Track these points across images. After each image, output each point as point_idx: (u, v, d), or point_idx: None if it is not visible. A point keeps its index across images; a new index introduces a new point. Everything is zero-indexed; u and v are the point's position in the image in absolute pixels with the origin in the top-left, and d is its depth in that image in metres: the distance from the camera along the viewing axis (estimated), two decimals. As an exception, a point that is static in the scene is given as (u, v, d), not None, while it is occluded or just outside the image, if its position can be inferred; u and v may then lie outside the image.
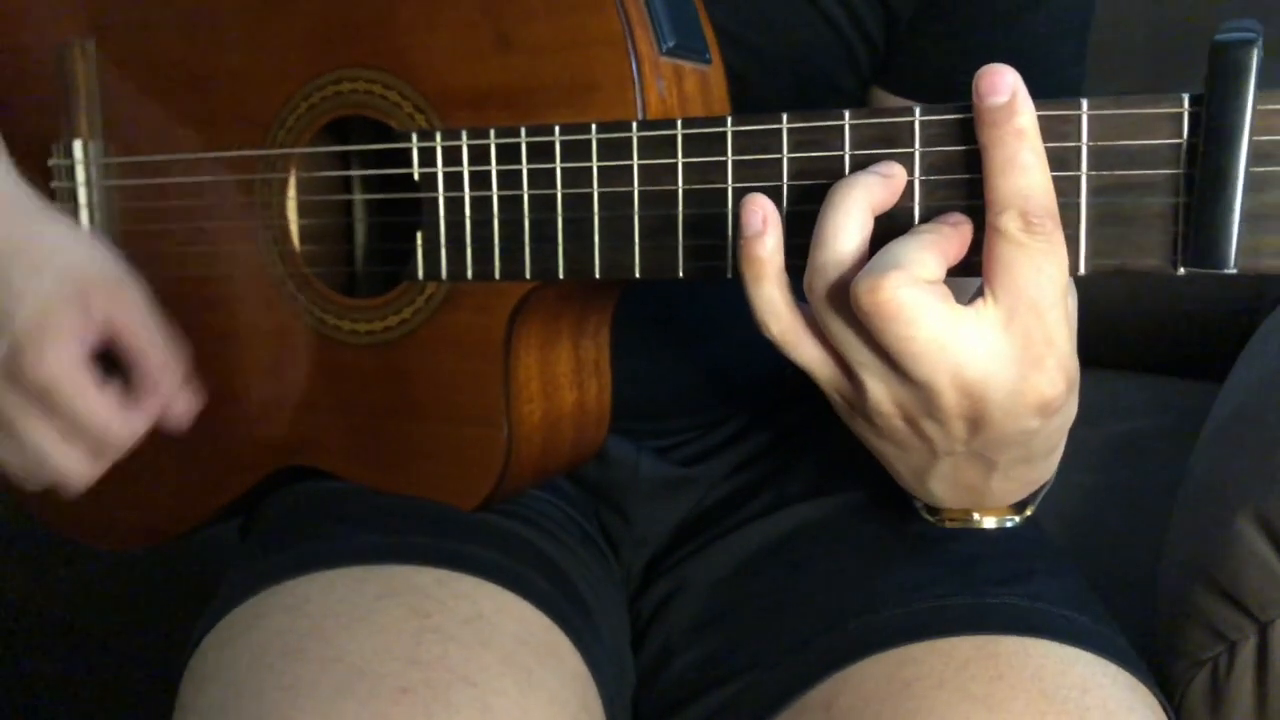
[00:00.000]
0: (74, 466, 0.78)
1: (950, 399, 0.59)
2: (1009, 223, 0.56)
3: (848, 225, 0.59)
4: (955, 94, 0.85)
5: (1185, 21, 1.47)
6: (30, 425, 0.76)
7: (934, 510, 0.71)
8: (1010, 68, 0.57)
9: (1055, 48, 0.86)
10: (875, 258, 0.57)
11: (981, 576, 0.77)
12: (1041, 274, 0.57)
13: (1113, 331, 1.47)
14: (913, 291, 0.56)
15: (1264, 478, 0.88)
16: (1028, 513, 0.71)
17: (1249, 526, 0.86)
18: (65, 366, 0.74)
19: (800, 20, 0.83)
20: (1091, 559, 1.03)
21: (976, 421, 0.60)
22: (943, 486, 0.67)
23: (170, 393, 0.79)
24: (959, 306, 0.57)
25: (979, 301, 0.58)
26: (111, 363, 0.78)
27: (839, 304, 0.59)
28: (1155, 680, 0.74)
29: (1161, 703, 0.73)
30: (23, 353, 0.74)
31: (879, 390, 0.61)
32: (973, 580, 0.76)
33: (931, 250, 0.57)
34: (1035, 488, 0.69)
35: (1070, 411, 0.63)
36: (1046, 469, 0.68)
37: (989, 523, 0.70)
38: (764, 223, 0.60)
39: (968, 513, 0.70)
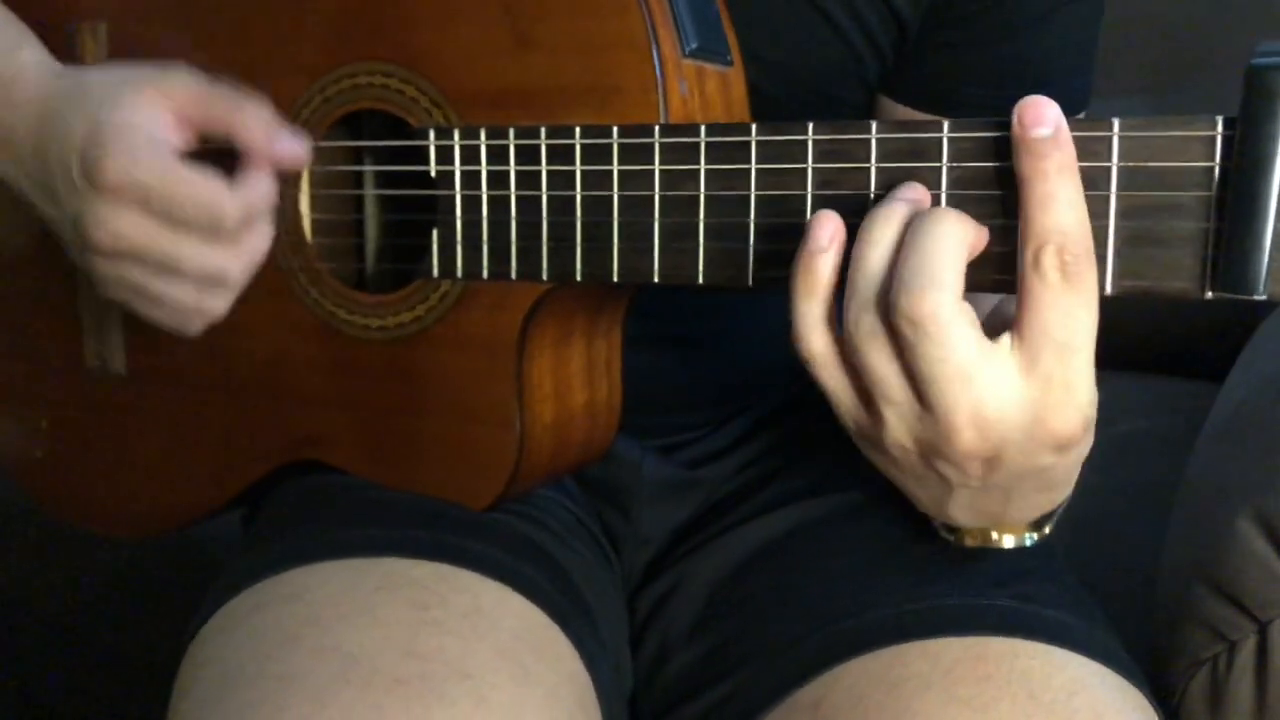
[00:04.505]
0: (211, 260, 0.74)
1: (966, 437, 0.59)
2: (1046, 260, 0.56)
3: (886, 251, 0.59)
4: (963, 104, 0.86)
5: (1190, 25, 1.47)
6: (140, 235, 0.72)
7: (952, 529, 0.71)
8: (1053, 101, 0.56)
9: (1064, 61, 0.86)
10: (915, 270, 0.57)
11: (975, 577, 0.77)
12: (1069, 316, 0.56)
13: (1113, 331, 1.46)
14: (955, 311, 0.56)
15: (1264, 478, 0.88)
16: (1046, 530, 0.71)
17: (1249, 526, 0.86)
18: (135, 156, 0.71)
19: (809, 31, 0.82)
20: (1091, 559, 1.03)
21: (992, 461, 0.60)
22: (960, 512, 0.67)
23: (274, 138, 0.75)
24: (988, 341, 0.57)
25: (1005, 339, 0.58)
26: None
27: (872, 327, 0.59)
28: (1149, 681, 0.75)
29: (1153, 704, 0.73)
30: (91, 161, 0.71)
31: (898, 426, 0.61)
32: (966, 581, 0.76)
33: (963, 273, 0.57)
34: (1053, 508, 0.69)
35: (1086, 446, 0.63)
36: (1064, 493, 0.68)
37: (1008, 541, 0.70)
38: (831, 240, 0.60)
39: (986, 531, 0.70)
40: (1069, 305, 0.56)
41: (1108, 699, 0.70)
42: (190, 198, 0.72)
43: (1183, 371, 1.48)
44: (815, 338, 0.61)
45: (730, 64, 0.74)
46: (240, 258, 0.75)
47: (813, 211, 0.63)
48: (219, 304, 0.77)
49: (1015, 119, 0.57)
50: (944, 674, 0.70)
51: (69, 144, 0.73)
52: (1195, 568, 0.90)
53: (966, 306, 0.57)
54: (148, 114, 0.73)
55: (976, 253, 0.59)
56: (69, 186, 0.74)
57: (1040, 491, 0.65)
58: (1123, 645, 0.76)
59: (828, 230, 0.60)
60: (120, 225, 0.72)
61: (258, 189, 0.74)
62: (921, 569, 0.78)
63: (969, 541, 0.71)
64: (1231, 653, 0.88)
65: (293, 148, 0.76)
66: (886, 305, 0.58)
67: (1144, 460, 1.25)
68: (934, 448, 0.61)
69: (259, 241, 0.76)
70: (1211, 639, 0.88)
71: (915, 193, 0.60)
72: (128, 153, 0.71)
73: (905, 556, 0.79)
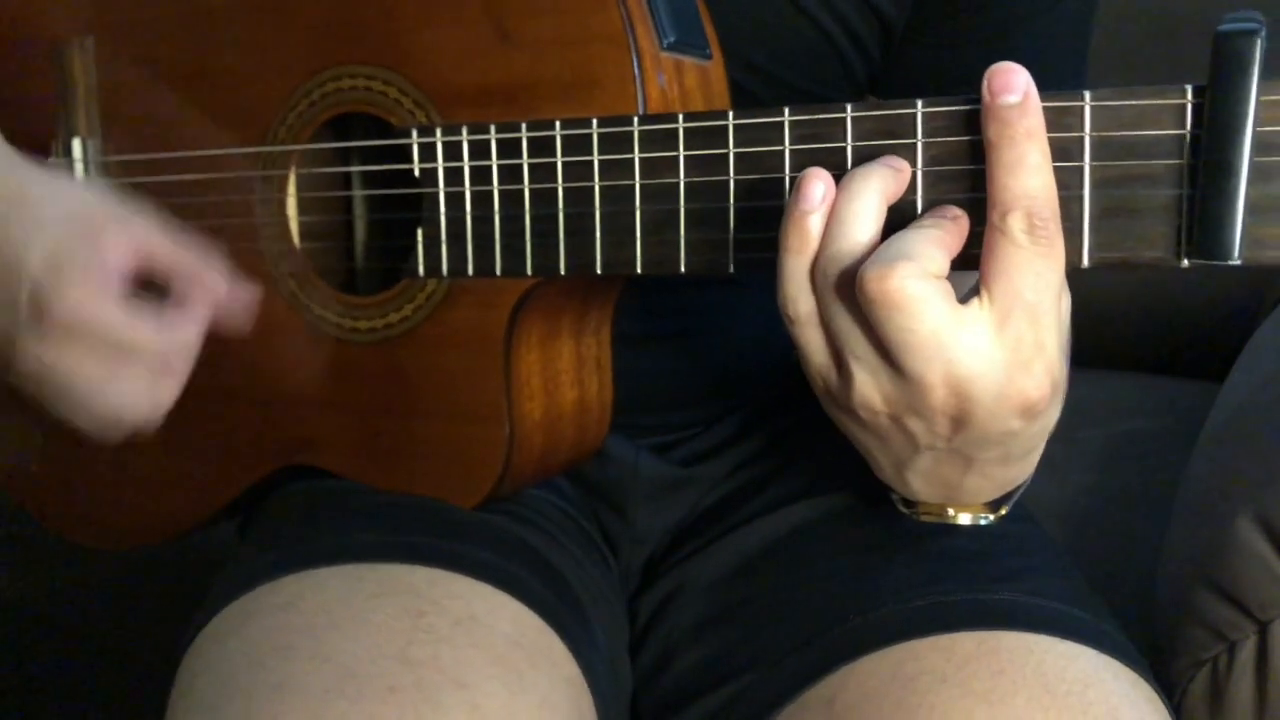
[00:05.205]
0: (138, 396, 0.74)
1: (938, 396, 0.59)
2: (1013, 224, 0.57)
3: (864, 213, 0.59)
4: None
5: (1182, 16, 1.47)
6: (76, 367, 0.72)
7: (909, 503, 0.71)
8: (1022, 67, 0.57)
9: (1053, 60, 0.86)
10: (883, 247, 0.58)
11: (982, 573, 0.76)
12: (1040, 278, 0.57)
13: (1113, 331, 1.47)
14: (921, 284, 0.56)
15: (1264, 478, 0.88)
16: (1002, 511, 0.71)
17: (1249, 526, 0.86)
18: (88, 297, 0.71)
19: (794, 33, 0.83)
20: (1091, 559, 1.03)
21: (960, 419, 0.60)
22: (920, 480, 0.68)
23: (215, 289, 0.75)
24: (959, 305, 0.58)
25: (975, 300, 0.58)
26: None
27: (846, 292, 0.59)
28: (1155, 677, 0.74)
29: (1162, 698, 0.73)
30: (43, 295, 0.71)
31: (867, 383, 0.61)
32: (973, 577, 0.76)
33: (939, 245, 0.58)
34: (1011, 488, 0.70)
35: (1053, 416, 0.63)
36: (1023, 470, 0.68)
37: (964, 519, 0.71)
38: (823, 200, 0.60)
39: (943, 508, 0.70)
40: (1040, 268, 0.57)
41: (1121, 691, 0.69)
42: (133, 341, 0.72)
43: (1183, 371, 1.48)
44: (801, 299, 0.61)
45: (709, 58, 0.74)
46: (170, 386, 0.75)
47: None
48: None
49: (985, 86, 0.57)
50: (958, 668, 0.70)
51: (21, 270, 0.72)
52: (1195, 568, 0.89)
53: (927, 269, 0.57)
54: (110, 256, 0.72)
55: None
56: (11, 304, 0.73)
57: (1001, 464, 0.65)
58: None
59: (819, 190, 0.60)
60: (60, 359, 0.72)
61: (192, 328, 0.75)
62: (926, 566, 0.78)
63: (924, 517, 0.71)
64: (1231, 653, 0.87)
65: (236, 307, 0.76)
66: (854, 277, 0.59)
67: (1144, 460, 1.25)
68: (904, 405, 0.61)
69: (182, 375, 0.76)
70: (1211, 639, 0.88)
71: (896, 162, 0.61)
72: (81, 299, 0.71)
73: (909, 554, 0.79)
